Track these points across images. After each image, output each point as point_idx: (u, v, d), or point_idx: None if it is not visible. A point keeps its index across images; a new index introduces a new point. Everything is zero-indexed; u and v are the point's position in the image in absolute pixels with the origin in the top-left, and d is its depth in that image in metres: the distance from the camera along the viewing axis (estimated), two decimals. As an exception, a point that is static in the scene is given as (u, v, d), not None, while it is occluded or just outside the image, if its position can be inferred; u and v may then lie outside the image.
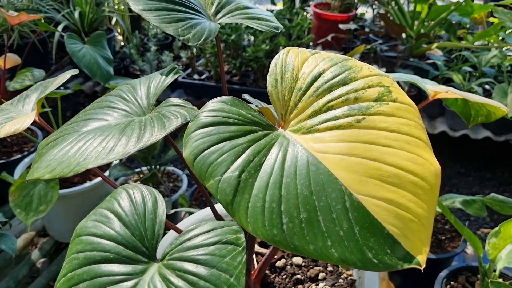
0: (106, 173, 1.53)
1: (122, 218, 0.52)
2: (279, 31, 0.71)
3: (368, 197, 0.48)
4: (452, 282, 1.26)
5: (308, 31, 2.62)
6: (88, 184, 1.50)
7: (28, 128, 1.79)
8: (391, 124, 0.50)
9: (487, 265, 1.14)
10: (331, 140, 0.51)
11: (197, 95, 2.44)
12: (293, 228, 0.47)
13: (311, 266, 0.91)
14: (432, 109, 2.34)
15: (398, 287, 1.46)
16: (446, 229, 1.44)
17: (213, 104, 0.55)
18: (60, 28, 2.29)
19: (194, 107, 0.63)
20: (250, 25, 0.69)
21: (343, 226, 0.47)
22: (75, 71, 0.78)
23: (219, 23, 0.73)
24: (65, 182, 1.52)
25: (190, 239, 0.50)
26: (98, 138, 0.60)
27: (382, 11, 2.59)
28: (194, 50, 2.61)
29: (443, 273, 1.26)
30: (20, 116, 0.74)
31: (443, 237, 1.40)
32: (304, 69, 0.55)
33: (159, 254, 0.52)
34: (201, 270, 0.47)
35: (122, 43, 2.97)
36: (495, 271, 1.14)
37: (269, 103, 0.62)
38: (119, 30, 3.00)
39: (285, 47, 2.34)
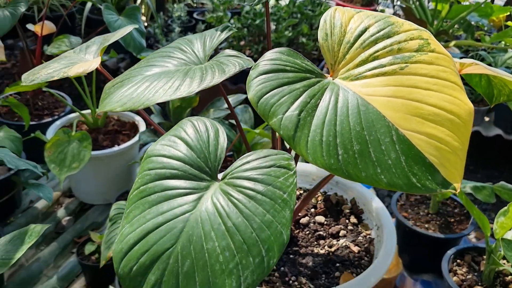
0: (135, 138, 1.60)
1: (188, 143, 0.59)
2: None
3: (412, 132, 0.55)
4: (458, 260, 1.32)
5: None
6: (116, 148, 1.57)
7: (60, 94, 1.87)
8: (430, 71, 0.57)
9: (494, 244, 1.21)
10: (377, 85, 0.58)
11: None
12: (347, 158, 0.54)
13: (332, 225, 0.98)
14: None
15: (407, 264, 1.53)
16: (455, 212, 1.50)
17: (271, 54, 0.61)
18: (89, 4, 2.36)
19: (249, 58, 0.69)
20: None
21: (391, 156, 0.54)
22: (135, 25, 0.84)
23: None
24: (95, 145, 1.59)
25: (248, 162, 0.57)
26: (164, 80, 0.67)
27: (400, 12, 2.64)
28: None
29: (450, 251, 1.32)
30: (84, 61, 0.81)
31: (452, 220, 1.47)
32: (351, 25, 0.62)
33: (219, 177, 0.59)
34: (258, 186, 0.53)
35: (146, 24, 3.04)
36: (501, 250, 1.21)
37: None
38: (143, 9, 3.07)
39: (307, 35, 2.41)
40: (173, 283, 0.50)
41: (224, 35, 0.76)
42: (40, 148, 1.43)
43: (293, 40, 2.39)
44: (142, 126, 1.67)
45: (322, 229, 0.97)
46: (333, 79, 0.62)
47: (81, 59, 0.83)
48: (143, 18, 3.08)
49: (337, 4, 2.67)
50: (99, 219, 1.64)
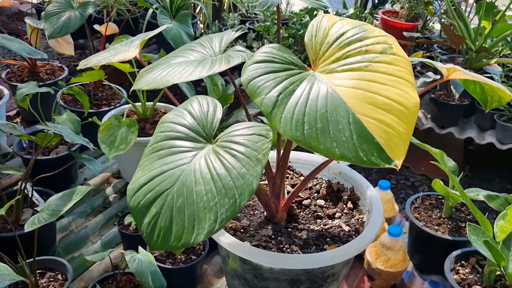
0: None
1: (193, 114, 0.76)
2: (326, 9, 0.92)
3: (365, 116, 0.68)
4: (463, 262, 1.40)
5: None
6: (160, 136, 1.77)
7: (117, 88, 2.11)
8: (389, 69, 0.70)
9: (495, 246, 1.28)
10: (345, 78, 0.72)
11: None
12: (311, 133, 0.68)
13: (331, 208, 1.11)
14: (484, 122, 2.43)
15: (417, 264, 1.61)
16: (468, 218, 1.57)
17: (265, 48, 0.77)
18: (151, 10, 2.61)
19: (252, 53, 0.85)
20: (304, 2, 0.91)
21: (345, 134, 0.68)
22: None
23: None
24: (142, 133, 1.80)
25: (236, 130, 0.73)
26: (182, 66, 0.84)
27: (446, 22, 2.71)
28: (265, 40, 2.84)
29: (455, 252, 1.40)
30: (126, 52, 1.00)
31: (463, 225, 1.54)
32: (333, 29, 0.77)
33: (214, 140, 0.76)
34: (240, 148, 0.70)
35: (203, 30, 3.27)
36: (502, 252, 1.28)
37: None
38: (201, 18, 3.30)
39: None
40: (168, 215, 0.67)
41: (237, 33, 0.92)
42: (96, 132, 1.65)
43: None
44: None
45: (321, 211, 1.11)
46: (313, 72, 0.76)
47: (125, 50, 1.02)
48: (201, 25, 3.32)
49: (381, 19, 2.77)
50: (141, 199, 1.84)
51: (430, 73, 2.36)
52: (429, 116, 2.51)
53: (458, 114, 2.38)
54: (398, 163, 0.66)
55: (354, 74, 0.71)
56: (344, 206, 1.11)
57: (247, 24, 3.29)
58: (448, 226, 1.54)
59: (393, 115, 0.68)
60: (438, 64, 0.93)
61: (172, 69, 0.84)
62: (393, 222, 1.75)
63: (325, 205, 1.12)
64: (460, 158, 2.54)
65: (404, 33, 2.54)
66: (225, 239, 0.91)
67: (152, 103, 1.87)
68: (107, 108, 1.98)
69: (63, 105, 2.03)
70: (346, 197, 1.13)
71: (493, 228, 1.29)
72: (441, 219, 1.56)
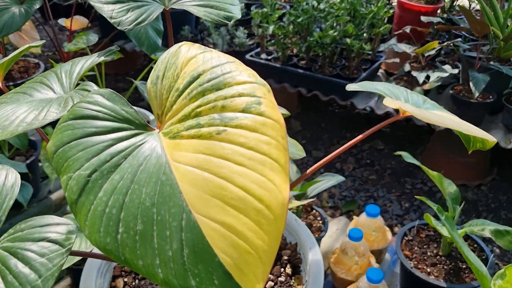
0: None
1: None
2: (230, 22, 0.66)
3: (206, 218, 0.43)
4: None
5: (389, 20, 2.45)
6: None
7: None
8: (250, 140, 0.44)
9: (494, 309, 1.00)
10: (190, 150, 0.46)
11: (263, 75, 2.40)
12: (127, 239, 0.44)
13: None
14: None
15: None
16: (471, 258, 1.28)
17: (89, 96, 0.52)
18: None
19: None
20: (196, 14, 0.65)
21: (173, 246, 0.43)
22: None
23: (171, 8, 0.69)
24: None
25: (23, 230, 0.49)
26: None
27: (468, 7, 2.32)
28: (272, 27, 2.55)
29: (450, 306, 1.13)
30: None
31: (464, 266, 1.25)
32: (188, 67, 0.51)
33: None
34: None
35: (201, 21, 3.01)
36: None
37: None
38: None
39: (355, 35, 2.21)
40: None
41: (98, 59, 0.68)
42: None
43: (340, 40, 2.21)
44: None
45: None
46: (158, 133, 0.51)
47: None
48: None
49: (399, 2, 2.42)
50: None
51: (447, 67, 2.02)
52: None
53: (481, 113, 2.03)
54: (254, 297, 0.41)
55: (202, 145, 0.46)
56: (282, 270, 0.86)
57: (252, 8, 3.00)
58: (445, 267, 1.25)
59: (249, 218, 0.42)
60: (387, 99, 0.66)
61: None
62: (384, 255, 1.47)
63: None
64: (486, 159, 2.21)
65: (422, 18, 2.19)
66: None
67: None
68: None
69: None
70: (286, 258, 0.88)
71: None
72: (437, 257, 1.28)
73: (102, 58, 0.68)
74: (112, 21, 0.63)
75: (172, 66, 0.52)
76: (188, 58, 0.51)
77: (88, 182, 0.47)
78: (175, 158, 0.47)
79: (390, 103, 0.62)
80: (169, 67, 0.52)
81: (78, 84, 0.65)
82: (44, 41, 0.72)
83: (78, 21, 1.87)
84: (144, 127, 0.51)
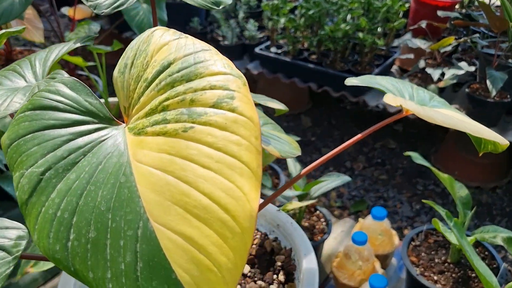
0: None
1: None
2: (219, 7, 0.60)
3: (165, 228, 0.37)
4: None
5: (405, 15, 2.36)
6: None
7: (95, 79, 1.86)
8: (219, 140, 0.38)
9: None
10: (153, 148, 0.41)
11: (272, 69, 2.35)
12: (77, 247, 0.39)
13: (256, 278, 0.81)
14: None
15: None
16: (482, 266, 1.21)
17: (53, 83, 0.47)
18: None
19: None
20: (180, -3, 0.59)
21: (126, 258, 0.37)
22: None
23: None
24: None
25: None
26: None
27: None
28: (283, 20, 2.48)
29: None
30: None
31: (473, 275, 1.18)
32: (158, 55, 0.45)
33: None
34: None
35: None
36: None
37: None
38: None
39: (368, 30, 2.13)
40: None
41: (73, 46, 0.63)
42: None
43: (353, 34, 2.13)
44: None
45: (242, 281, 0.81)
46: (124, 127, 0.46)
47: None
48: None
49: (414, -6, 2.33)
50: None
51: (463, 64, 1.93)
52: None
53: (498, 112, 1.94)
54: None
55: (167, 143, 0.40)
56: (275, 277, 0.81)
57: (264, 0, 2.93)
58: (454, 275, 1.18)
59: (212, 230, 0.36)
60: (389, 95, 0.59)
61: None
62: (390, 260, 1.40)
63: (249, 274, 0.82)
64: (503, 161, 2.12)
65: (439, 13, 2.10)
66: None
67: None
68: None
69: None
70: (279, 264, 0.82)
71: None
72: (446, 264, 1.21)
73: (78, 44, 0.63)
74: (88, 4, 0.58)
75: (142, 54, 0.46)
76: (160, 44, 0.46)
77: (41, 180, 0.42)
78: (137, 157, 0.41)
79: (390, 100, 0.56)
80: (139, 54, 0.46)
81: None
82: (24, 27, 0.67)
83: (82, 10, 1.83)
84: (109, 121, 0.46)
